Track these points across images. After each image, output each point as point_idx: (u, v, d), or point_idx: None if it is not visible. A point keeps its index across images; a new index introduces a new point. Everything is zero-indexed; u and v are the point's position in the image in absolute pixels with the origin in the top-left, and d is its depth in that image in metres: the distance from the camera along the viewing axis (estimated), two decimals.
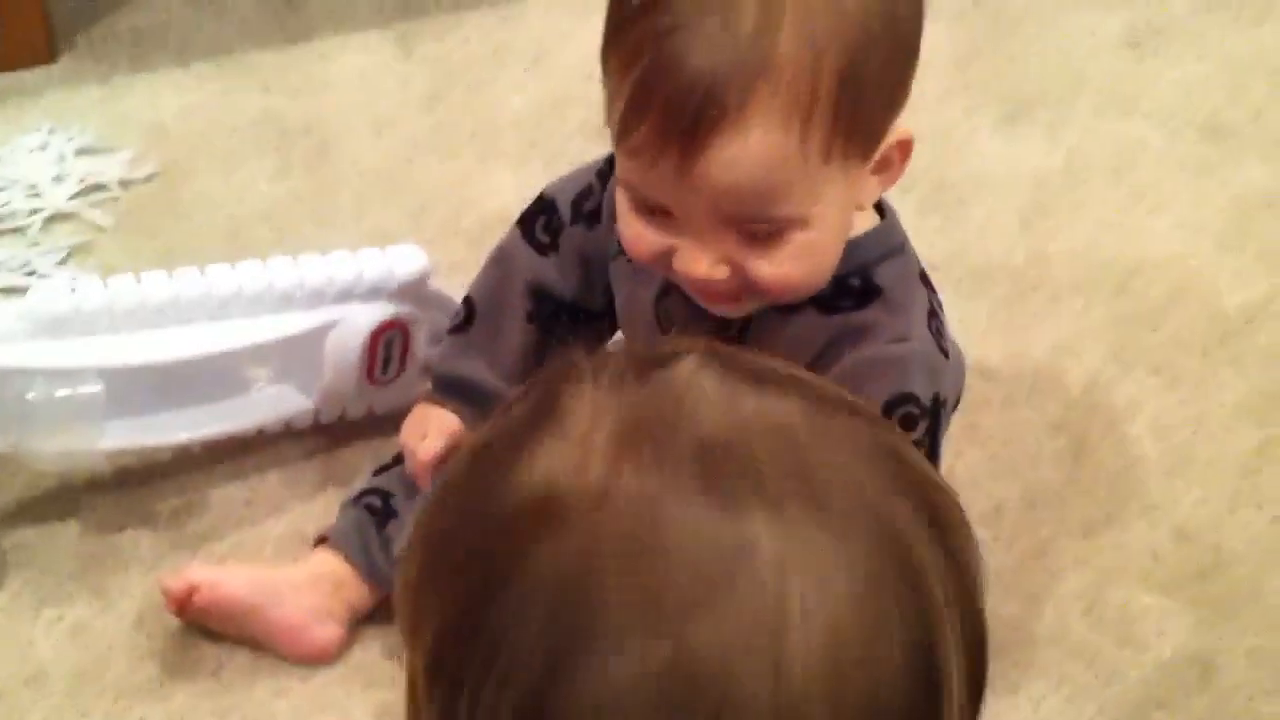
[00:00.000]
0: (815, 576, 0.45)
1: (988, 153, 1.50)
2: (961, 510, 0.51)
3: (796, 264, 0.87)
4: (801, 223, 0.85)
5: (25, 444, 1.08)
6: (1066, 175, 1.48)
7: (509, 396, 0.52)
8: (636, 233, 0.89)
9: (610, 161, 1.01)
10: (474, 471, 0.51)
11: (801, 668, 0.44)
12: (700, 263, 0.86)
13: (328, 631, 1.04)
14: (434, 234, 1.36)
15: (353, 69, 1.59)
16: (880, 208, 0.96)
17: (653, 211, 0.87)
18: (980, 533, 1.11)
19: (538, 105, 1.55)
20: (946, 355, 0.95)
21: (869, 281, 0.93)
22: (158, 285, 1.10)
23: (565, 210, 1.04)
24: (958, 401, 0.98)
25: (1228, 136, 1.53)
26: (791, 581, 0.44)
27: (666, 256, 0.88)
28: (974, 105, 1.56)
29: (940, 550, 0.48)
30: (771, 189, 0.83)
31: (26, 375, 1.06)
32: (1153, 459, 1.19)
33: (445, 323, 1.11)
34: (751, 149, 0.81)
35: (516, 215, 1.10)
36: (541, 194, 1.07)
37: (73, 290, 1.09)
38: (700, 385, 0.48)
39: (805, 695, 0.44)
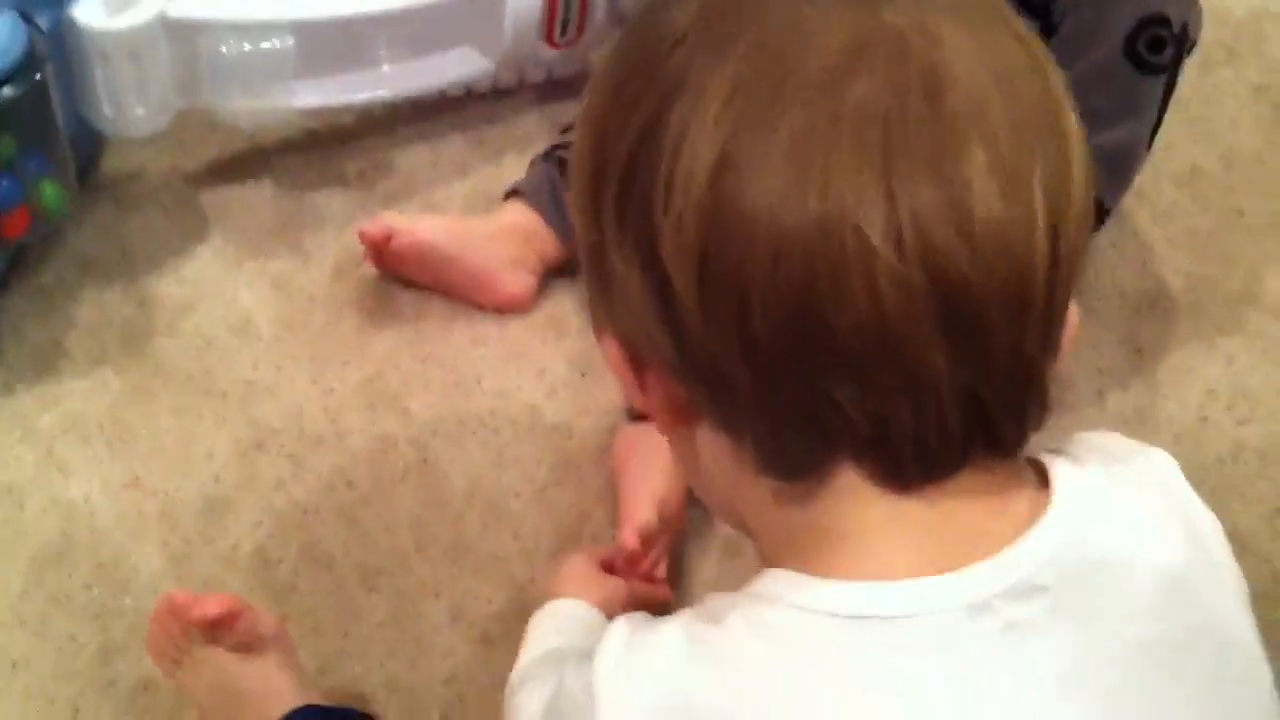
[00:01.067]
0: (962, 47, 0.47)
1: None
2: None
3: None
4: None
5: (219, 100, 1.09)
6: None
7: None
8: None
9: None
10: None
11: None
12: None
13: (521, 280, 1.05)
14: None
15: None
16: None
17: None
18: (1175, 196, 1.10)
19: None
20: None
21: None
22: None
23: None
24: (1194, 45, 0.94)
25: None
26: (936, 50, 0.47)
27: None
28: None
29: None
30: None
31: (219, 30, 1.06)
32: None
33: None
34: None
35: None
36: None
37: None
38: None
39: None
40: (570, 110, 1.12)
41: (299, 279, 1.08)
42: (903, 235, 0.44)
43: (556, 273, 1.07)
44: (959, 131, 0.45)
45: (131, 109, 1.06)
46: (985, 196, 0.45)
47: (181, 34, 1.05)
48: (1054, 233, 0.46)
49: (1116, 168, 0.91)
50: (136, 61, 1.04)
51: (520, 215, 1.06)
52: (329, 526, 0.94)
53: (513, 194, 1.08)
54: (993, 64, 0.47)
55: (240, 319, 1.06)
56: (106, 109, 1.05)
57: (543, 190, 1.06)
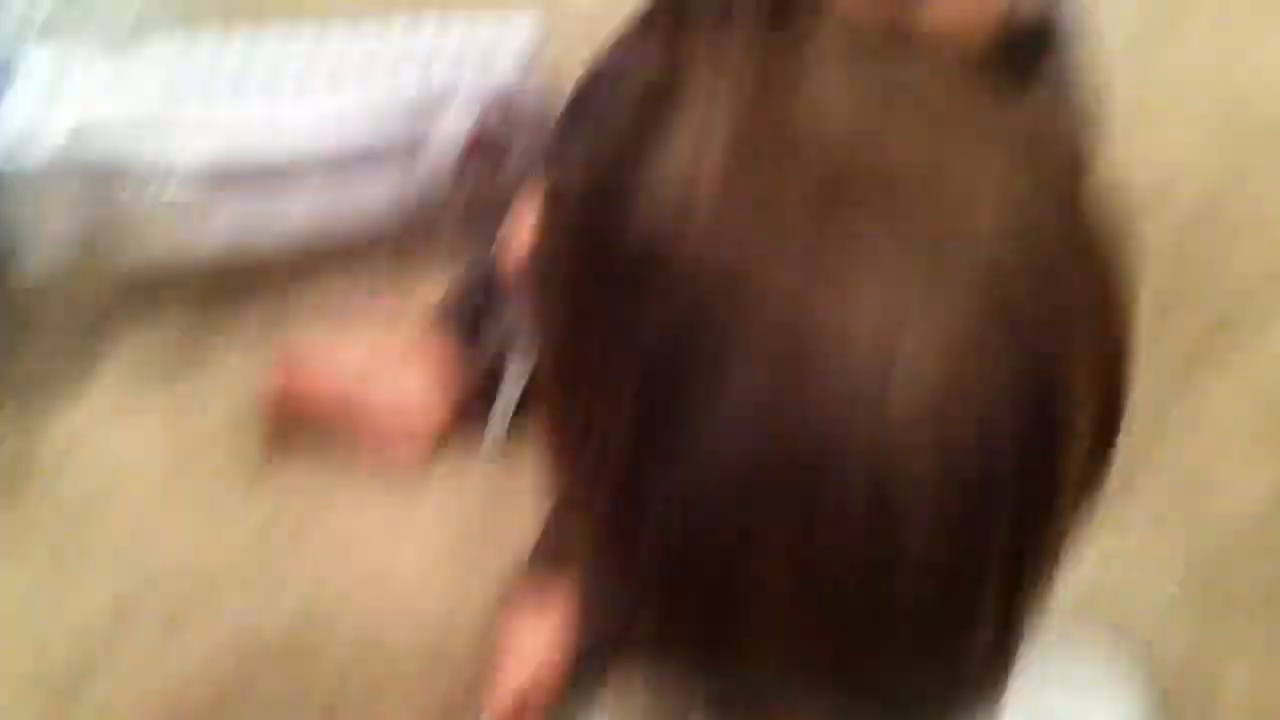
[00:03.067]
0: (927, 324, 0.41)
1: None
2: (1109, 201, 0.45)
3: None
4: None
5: (131, 239, 1.08)
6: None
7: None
8: None
9: None
10: (589, 187, 0.46)
11: (909, 411, 0.41)
12: None
13: (421, 427, 1.05)
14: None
15: None
16: None
17: None
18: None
19: None
20: None
21: None
22: (263, 45, 1.09)
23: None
24: None
25: None
26: (902, 328, 0.41)
27: None
28: None
29: (1088, 280, 0.44)
30: None
31: (134, 170, 1.05)
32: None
33: (540, 134, 1.09)
34: None
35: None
36: None
37: (179, 50, 1.08)
38: (821, 84, 0.44)
39: (910, 438, 0.41)
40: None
41: (194, 420, 1.08)
42: None
43: (461, 418, 1.06)
44: None
45: (35, 243, 1.05)
46: None
47: (88, 172, 1.04)
48: None
49: None
50: (39, 197, 1.03)
51: (429, 357, 1.06)
52: (196, 700, 0.93)
53: (422, 325, 1.08)
54: None
55: (129, 460, 1.05)
56: (9, 242, 1.04)
57: (453, 324, 1.07)
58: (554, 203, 0.48)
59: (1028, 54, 0.87)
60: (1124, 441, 0.45)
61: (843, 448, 0.41)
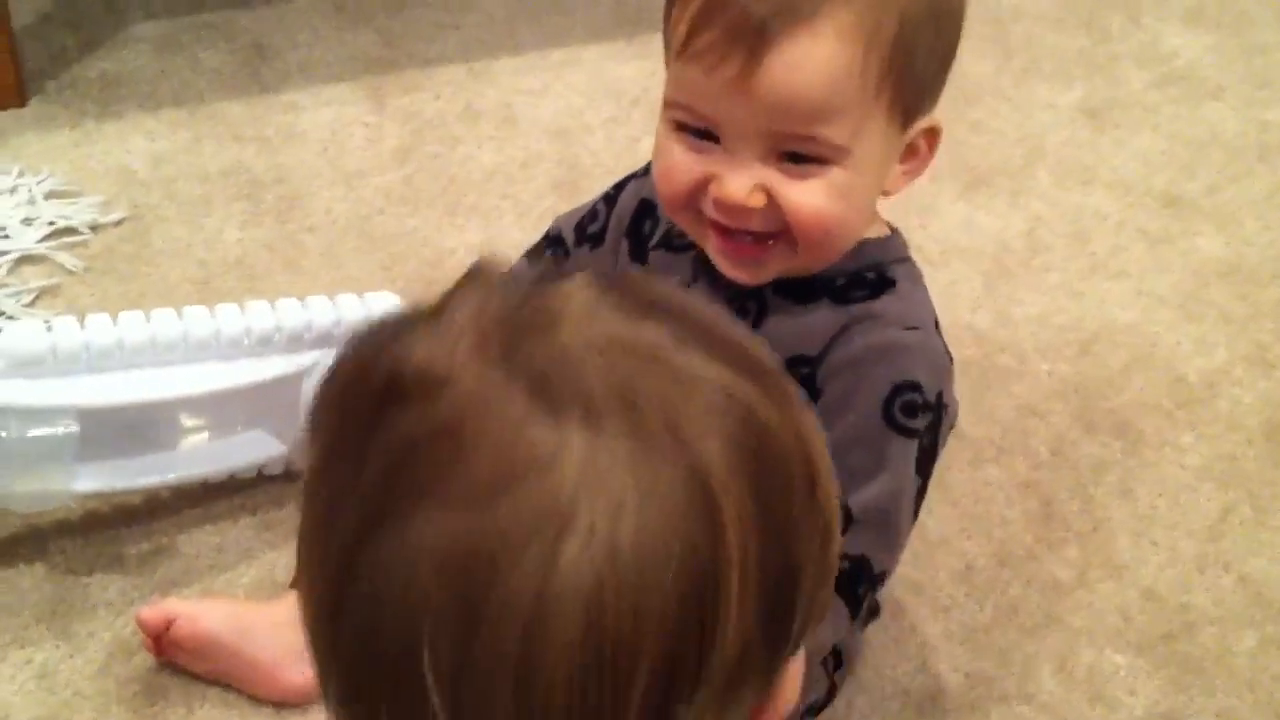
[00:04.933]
0: (610, 497, 0.47)
1: (951, 218, 1.53)
2: (812, 472, 0.53)
3: (830, 200, 0.87)
4: (842, 156, 0.86)
5: None
6: (1028, 242, 1.51)
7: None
8: (677, 162, 0.89)
9: (618, 185, 1.03)
10: (358, 347, 0.54)
11: (572, 574, 0.47)
12: (739, 186, 0.87)
13: (303, 672, 1.02)
14: (404, 285, 1.36)
15: (324, 121, 1.60)
16: (891, 228, 0.98)
17: (700, 137, 0.88)
18: (952, 590, 1.13)
19: (507, 161, 1.56)
20: (951, 361, 0.96)
21: (883, 276, 0.94)
22: (134, 326, 1.09)
23: (570, 236, 1.05)
24: (952, 426, 0.99)
25: (1183, 208, 1.56)
26: (586, 494, 0.47)
27: (704, 185, 0.88)
28: (937, 172, 1.58)
29: (754, 502, 0.50)
30: (825, 103, 0.84)
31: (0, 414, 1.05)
32: (1120, 521, 1.21)
33: None
34: (815, 57, 0.83)
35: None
36: (547, 230, 1.08)
37: (48, 329, 1.08)
38: (575, 301, 0.51)
39: (568, 598, 0.47)
40: None
41: (65, 671, 1.04)
42: None
43: None
44: None
45: None
46: None
47: None
48: None
49: (879, 524, 0.93)
50: None
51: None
52: None
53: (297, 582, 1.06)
54: None
55: None
56: None
57: None
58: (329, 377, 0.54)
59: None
60: None
61: (509, 581, 0.46)
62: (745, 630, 0.49)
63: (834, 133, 0.86)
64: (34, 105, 1.58)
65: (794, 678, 0.57)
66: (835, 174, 0.87)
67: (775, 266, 0.92)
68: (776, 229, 0.89)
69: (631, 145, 1.56)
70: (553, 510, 0.47)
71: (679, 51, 0.87)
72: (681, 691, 0.48)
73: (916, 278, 0.97)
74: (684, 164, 0.89)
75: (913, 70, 0.87)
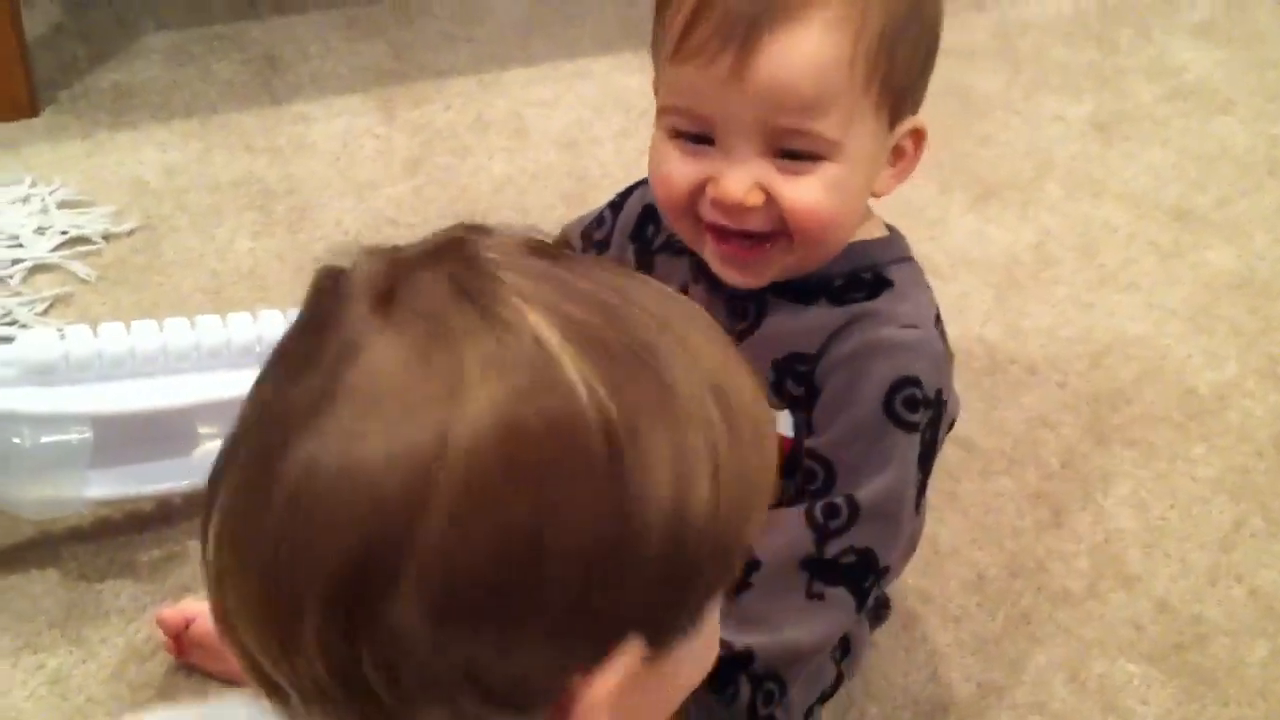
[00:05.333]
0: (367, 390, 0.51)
1: (961, 231, 1.53)
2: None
3: (825, 196, 0.88)
4: (835, 151, 0.88)
5: (8, 490, 1.06)
6: (1038, 254, 1.51)
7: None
8: (672, 167, 0.91)
9: (624, 193, 1.04)
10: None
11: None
12: (737, 184, 0.88)
13: None
14: None
15: (335, 132, 1.60)
16: (889, 229, 0.99)
17: (695, 140, 0.89)
18: (963, 600, 1.13)
19: (518, 172, 1.57)
20: (951, 358, 0.96)
21: (880, 276, 0.95)
22: (147, 334, 1.10)
23: (577, 243, 1.06)
24: (952, 424, 0.99)
25: (1193, 221, 1.57)
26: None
27: (701, 188, 0.90)
28: (947, 184, 1.59)
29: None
30: (816, 97, 0.86)
31: (13, 420, 1.05)
32: (1131, 532, 1.21)
33: None
34: (805, 50, 0.85)
35: None
36: (555, 237, 1.08)
37: (61, 337, 1.08)
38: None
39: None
40: None
41: (78, 677, 1.04)
42: None
43: None
44: None
45: None
46: None
47: None
48: None
49: (883, 517, 0.93)
50: None
51: None
52: None
53: None
54: None
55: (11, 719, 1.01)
56: None
57: None
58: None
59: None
60: None
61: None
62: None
63: (826, 126, 0.87)
64: (46, 116, 1.58)
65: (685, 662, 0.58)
66: (829, 169, 0.88)
67: (773, 268, 0.92)
68: (774, 228, 0.90)
69: (640, 157, 1.53)
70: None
71: (673, 53, 0.89)
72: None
73: (916, 277, 0.97)
74: (681, 169, 0.90)
75: (897, 67, 0.88)
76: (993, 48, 1.81)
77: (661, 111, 0.92)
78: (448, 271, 0.53)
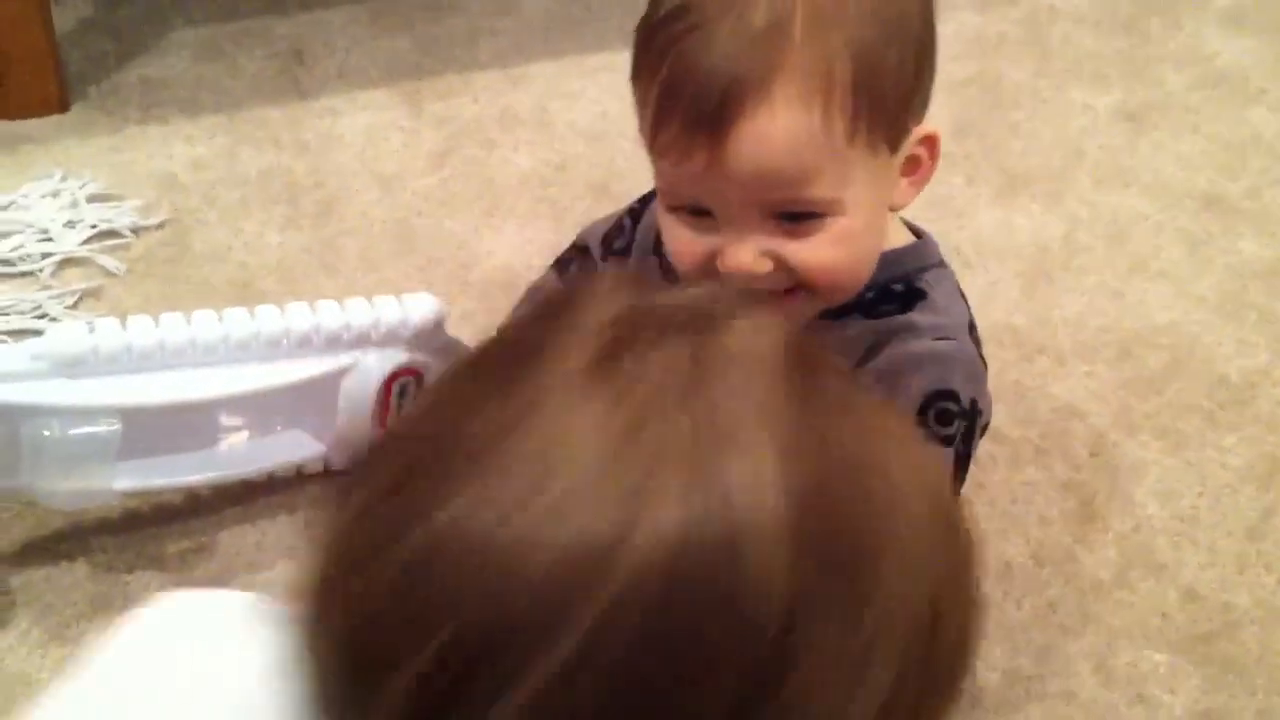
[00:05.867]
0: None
1: (988, 221, 1.53)
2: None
3: (835, 250, 0.89)
4: (836, 207, 0.87)
5: (38, 482, 1.07)
6: (1066, 244, 1.50)
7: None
8: (682, 242, 0.91)
9: (643, 200, 1.04)
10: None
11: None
12: (744, 255, 0.88)
13: None
14: (441, 288, 1.35)
15: (361, 126, 1.61)
16: (918, 233, 0.98)
17: (696, 214, 0.89)
18: (990, 589, 1.12)
19: (543, 164, 1.57)
20: (985, 367, 0.96)
21: (912, 287, 0.95)
22: (175, 327, 1.10)
23: (596, 250, 1.06)
24: (985, 428, 0.98)
25: (1223, 210, 1.55)
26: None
27: (712, 259, 0.90)
28: (974, 175, 1.58)
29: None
30: (800, 169, 0.85)
31: (42, 413, 1.05)
32: (1160, 521, 1.20)
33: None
34: (775, 130, 0.84)
35: (524, 270, 1.12)
36: (575, 240, 1.09)
37: (90, 330, 1.09)
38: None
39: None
40: None
41: None
42: None
43: None
44: None
45: None
46: None
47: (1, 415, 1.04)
48: None
49: None
50: None
51: None
52: None
53: None
54: None
55: None
56: None
57: None
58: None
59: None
60: None
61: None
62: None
63: (819, 190, 0.87)
64: (76, 111, 1.59)
65: None
66: (834, 224, 0.88)
67: (803, 312, 0.93)
68: (792, 284, 0.90)
69: None
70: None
71: (649, 149, 0.89)
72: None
73: (949, 284, 0.97)
74: (689, 243, 0.91)
75: (883, 99, 0.87)
76: (1022, 37, 1.80)
77: (658, 191, 0.92)
78: (690, 350, 0.47)
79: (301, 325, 1.13)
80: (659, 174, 0.91)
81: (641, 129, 0.91)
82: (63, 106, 1.58)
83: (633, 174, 1.50)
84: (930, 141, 0.92)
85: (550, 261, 1.17)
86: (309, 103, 1.64)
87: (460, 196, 1.52)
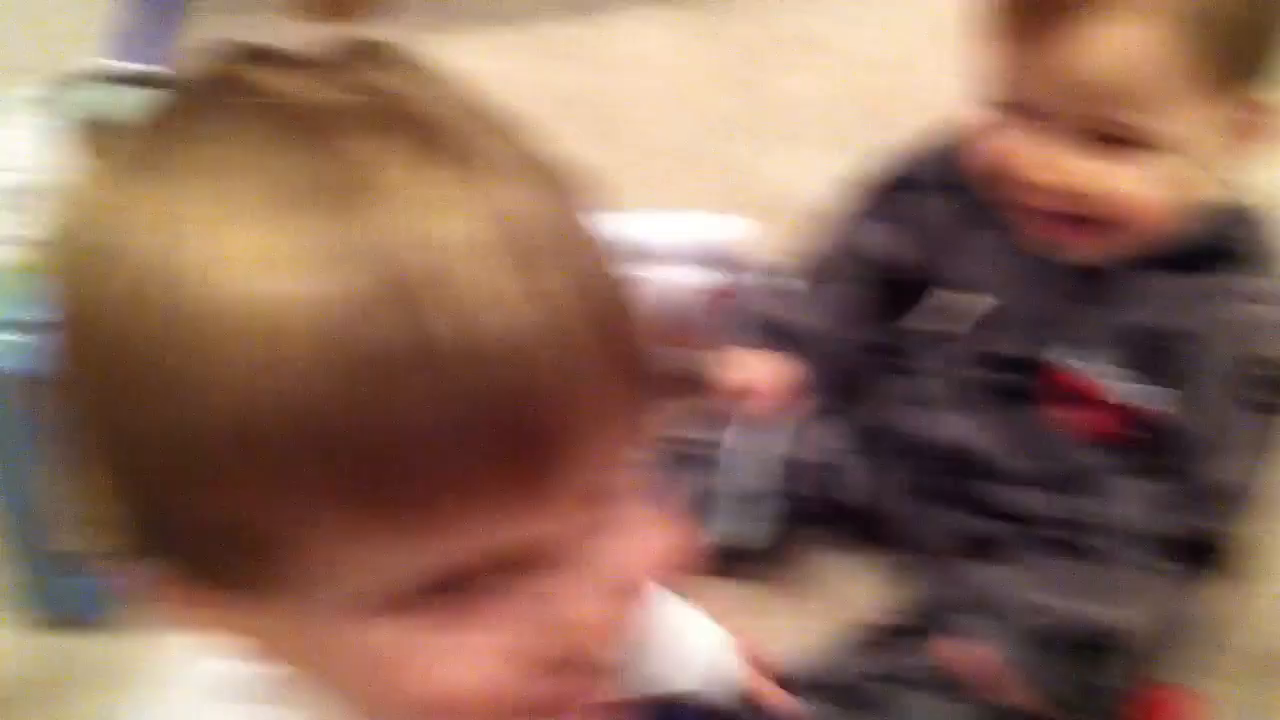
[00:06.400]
0: None
1: None
2: None
3: (1145, 184, 0.88)
4: (1157, 138, 0.86)
5: None
6: None
7: None
8: (1026, 153, 0.91)
9: (950, 144, 1.03)
10: None
11: None
12: (1055, 169, 0.88)
13: None
14: (732, 209, 1.35)
15: (654, 46, 1.60)
16: (1236, 194, 0.96)
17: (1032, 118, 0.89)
18: None
19: (822, 92, 1.54)
20: None
21: (1229, 248, 0.92)
22: None
23: (902, 180, 1.06)
24: None
25: None
26: None
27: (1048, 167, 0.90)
28: None
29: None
30: (1131, 87, 0.85)
31: None
32: None
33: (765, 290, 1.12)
34: (1120, 37, 0.84)
35: (814, 196, 1.15)
36: (882, 166, 1.09)
37: None
38: None
39: None
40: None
41: None
42: None
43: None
44: None
45: None
46: None
47: None
48: None
49: (1224, 497, 0.93)
50: None
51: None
52: None
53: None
54: None
55: None
56: None
57: None
58: None
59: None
60: None
61: None
62: None
63: (1145, 116, 0.86)
64: (359, 21, 1.62)
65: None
66: (1150, 157, 0.86)
67: (1097, 247, 0.92)
68: (1092, 212, 0.89)
69: (951, 80, 1.52)
70: None
71: (992, 30, 0.90)
72: None
73: (1266, 245, 0.94)
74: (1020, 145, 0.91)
75: (1226, 46, 0.85)
76: None
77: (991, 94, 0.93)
78: None
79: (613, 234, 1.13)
80: (998, 65, 0.91)
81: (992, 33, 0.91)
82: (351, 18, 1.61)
83: (914, 105, 1.47)
84: (1263, 110, 0.89)
85: (837, 189, 1.15)
86: (599, 18, 1.64)
87: (751, 121, 1.50)
